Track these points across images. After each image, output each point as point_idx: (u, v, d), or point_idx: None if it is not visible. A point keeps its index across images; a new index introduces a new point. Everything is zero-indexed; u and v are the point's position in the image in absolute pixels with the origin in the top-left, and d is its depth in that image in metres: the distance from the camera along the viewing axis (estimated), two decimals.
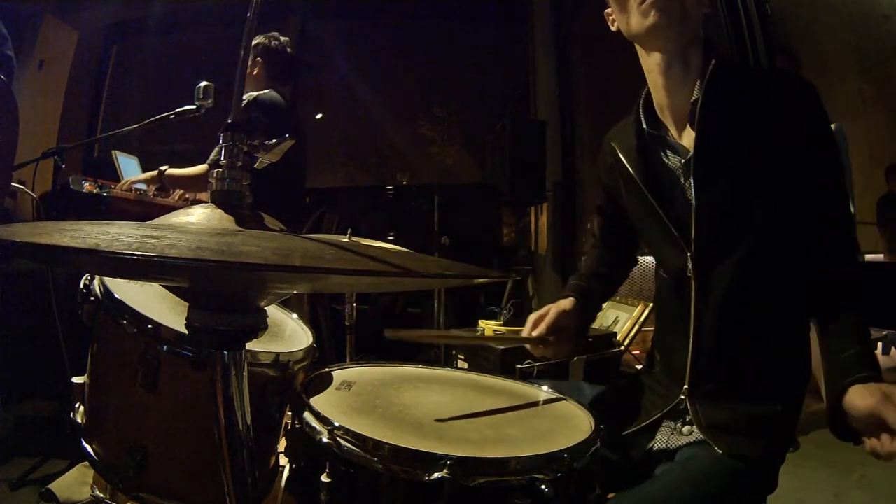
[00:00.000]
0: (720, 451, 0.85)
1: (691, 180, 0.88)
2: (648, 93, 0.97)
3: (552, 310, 1.05)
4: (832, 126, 0.89)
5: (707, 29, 0.92)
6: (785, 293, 0.86)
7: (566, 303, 1.07)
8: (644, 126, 0.96)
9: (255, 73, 2.30)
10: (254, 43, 2.29)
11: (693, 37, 0.89)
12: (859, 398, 0.73)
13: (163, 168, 2.20)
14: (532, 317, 1.05)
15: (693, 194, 0.88)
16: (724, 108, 0.87)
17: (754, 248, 0.85)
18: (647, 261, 1.07)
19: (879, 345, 3.86)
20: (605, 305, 3.06)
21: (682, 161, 0.91)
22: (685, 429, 0.92)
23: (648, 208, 0.94)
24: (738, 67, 0.93)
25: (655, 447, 0.94)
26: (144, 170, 2.71)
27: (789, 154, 0.83)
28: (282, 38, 2.36)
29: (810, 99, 0.85)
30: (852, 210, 0.87)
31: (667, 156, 0.94)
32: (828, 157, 0.85)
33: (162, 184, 2.22)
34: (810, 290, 0.85)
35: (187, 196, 2.38)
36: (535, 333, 1.02)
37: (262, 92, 2.22)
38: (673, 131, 0.95)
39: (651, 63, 0.93)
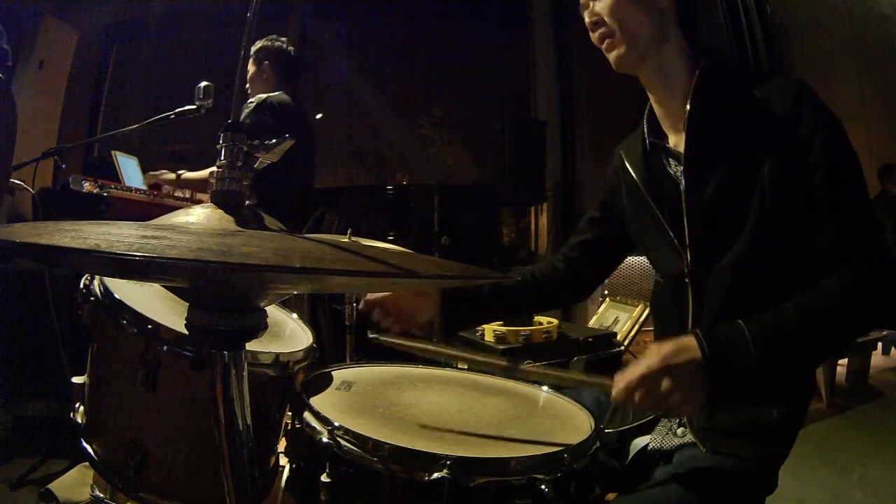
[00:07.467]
0: (705, 451, 0.85)
1: (682, 185, 0.89)
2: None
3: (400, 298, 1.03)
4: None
5: (690, 34, 0.92)
6: (781, 296, 0.85)
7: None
8: (646, 135, 0.98)
9: (264, 77, 2.30)
10: (258, 47, 2.31)
11: (659, 50, 0.90)
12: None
13: (180, 172, 2.29)
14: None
15: (684, 199, 0.89)
16: (713, 114, 0.87)
17: (749, 251, 0.84)
18: (645, 260, 1.06)
19: (879, 345, 3.86)
20: (604, 305, 3.04)
21: (681, 168, 0.92)
22: (679, 430, 0.93)
23: (649, 213, 0.95)
24: (729, 70, 0.92)
25: (651, 447, 0.94)
26: (144, 170, 2.71)
27: (781, 154, 0.82)
28: (281, 39, 2.37)
29: (800, 96, 0.82)
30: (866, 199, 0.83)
31: (668, 163, 0.95)
32: (826, 154, 0.80)
33: (178, 187, 2.30)
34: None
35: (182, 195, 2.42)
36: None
37: (272, 94, 2.22)
38: (672, 139, 0.96)
39: (641, 81, 0.96)
